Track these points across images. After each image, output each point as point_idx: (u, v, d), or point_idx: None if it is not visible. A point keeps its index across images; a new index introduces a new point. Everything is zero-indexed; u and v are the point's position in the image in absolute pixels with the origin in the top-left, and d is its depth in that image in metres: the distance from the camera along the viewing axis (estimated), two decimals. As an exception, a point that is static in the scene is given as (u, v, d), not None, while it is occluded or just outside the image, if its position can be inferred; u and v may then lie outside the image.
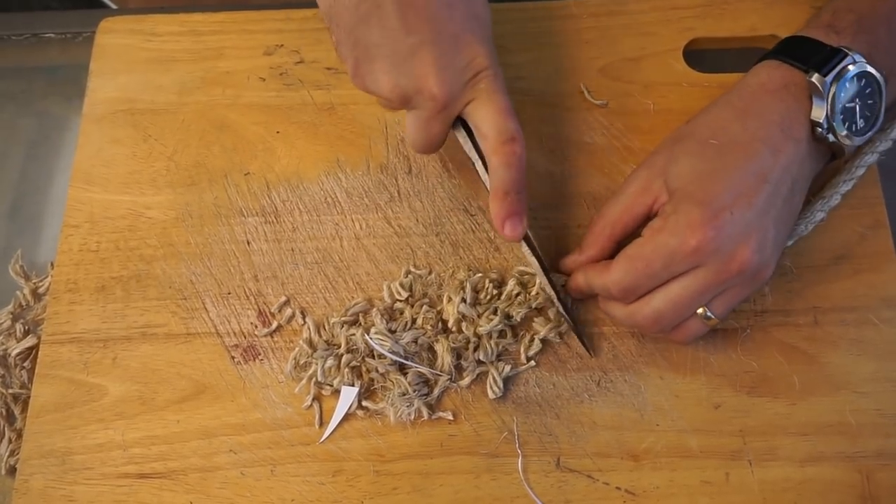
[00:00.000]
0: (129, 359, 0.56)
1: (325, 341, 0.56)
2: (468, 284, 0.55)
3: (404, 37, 0.49)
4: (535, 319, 0.56)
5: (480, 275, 0.56)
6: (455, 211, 0.60)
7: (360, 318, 0.56)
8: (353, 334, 0.55)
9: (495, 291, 0.56)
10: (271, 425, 0.54)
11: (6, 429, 0.56)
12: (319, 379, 0.54)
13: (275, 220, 0.60)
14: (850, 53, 0.50)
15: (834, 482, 0.51)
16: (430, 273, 0.57)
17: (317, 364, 0.55)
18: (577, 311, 0.56)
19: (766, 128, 0.50)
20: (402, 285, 0.57)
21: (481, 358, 0.54)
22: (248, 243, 0.59)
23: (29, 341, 0.58)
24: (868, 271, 0.56)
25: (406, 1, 0.49)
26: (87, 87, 0.65)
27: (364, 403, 0.54)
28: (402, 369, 0.54)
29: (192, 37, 0.66)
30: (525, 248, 0.54)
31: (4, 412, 0.57)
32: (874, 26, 0.53)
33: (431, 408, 0.54)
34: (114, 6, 0.81)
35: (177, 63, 0.65)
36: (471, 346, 0.55)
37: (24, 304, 0.60)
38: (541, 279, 0.55)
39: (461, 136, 0.54)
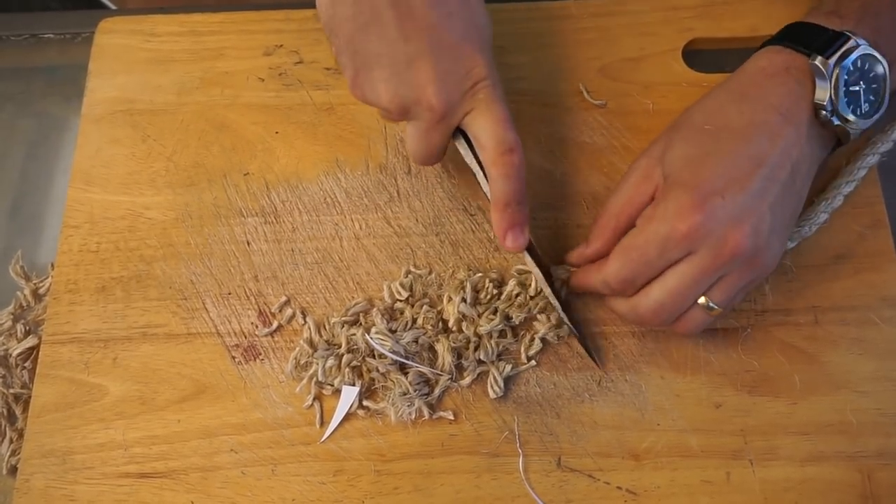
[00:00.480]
0: (129, 359, 0.56)
1: (326, 341, 0.56)
2: (468, 284, 0.55)
3: (403, 46, 0.49)
4: (536, 319, 0.56)
5: (480, 275, 0.56)
6: (455, 211, 0.60)
7: (361, 317, 0.56)
8: (354, 334, 0.55)
9: (495, 291, 0.56)
10: (272, 425, 0.54)
11: (7, 429, 0.56)
12: (320, 379, 0.54)
13: (274, 221, 0.60)
14: (853, 37, 0.50)
15: (835, 482, 0.51)
16: (430, 273, 0.57)
17: (317, 364, 0.55)
18: (579, 317, 0.56)
19: (763, 112, 0.50)
20: (402, 285, 0.57)
21: (482, 357, 0.54)
22: (248, 243, 0.59)
23: (30, 342, 0.58)
24: (868, 271, 0.56)
25: (405, 11, 0.49)
26: (86, 88, 0.65)
27: (365, 403, 0.54)
28: (403, 369, 0.54)
29: (191, 37, 0.66)
30: (528, 259, 0.54)
31: (5, 412, 0.57)
32: (879, 12, 0.53)
33: (432, 407, 0.54)
34: (113, 6, 0.81)
35: (176, 63, 0.65)
36: (471, 346, 0.55)
37: (24, 304, 0.60)
38: (544, 289, 0.55)
39: (461, 147, 0.54)
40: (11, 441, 0.56)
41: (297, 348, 0.56)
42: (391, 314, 0.56)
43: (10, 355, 0.58)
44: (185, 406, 0.55)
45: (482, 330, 0.54)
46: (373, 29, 0.50)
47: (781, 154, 0.49)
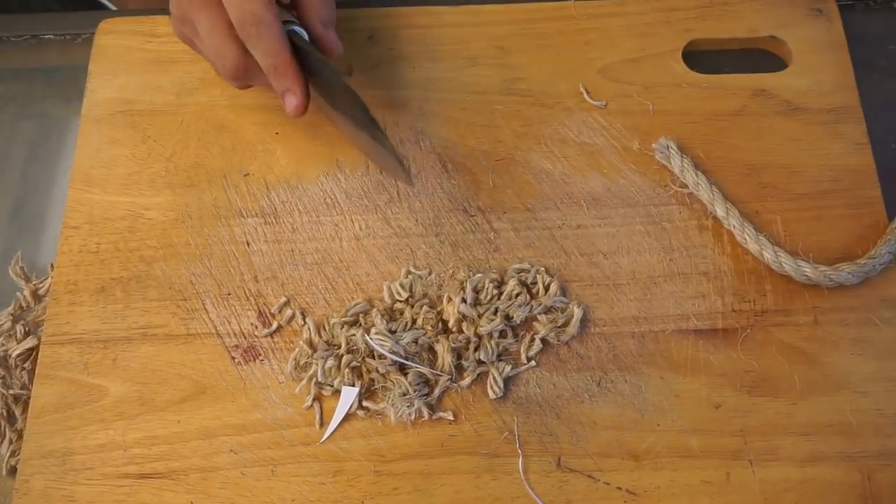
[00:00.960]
0: (129, 359, 0.56)
1: (326, 342, 0.56)
2: (468, 284, 0.55)
3: None
4: (536, 319, 0.56)
5: (480, 275, 0.56)
6: (455, 211, 0.60)
7: (361, 318, 0.56)
8: (354, 335, 0.55)
9: (495, 291, 0.56)
10: (272, 425, 0.54)
11: (7, 429, 0.56)
12: (320, 379, 0.54)
13: (274, 221, 0.60)
14: None
15: (835, 482, 0.51)
16: (429, 273, 0.57)
17: (317, 364, 0.55)
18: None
19: None
20: (401, 286, 0.57)
21: (482, 358, 0.54)
22: (248, 244, 0.59)
23: (29, 342, 0.58)
24: (868, 271, 0.56)
25: None
26: (86, 89, 0.65)
27: (364, 404, 0.54)
28: (403, 369, 0.54)
29: (191, 38, 0.66)
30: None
31: (5, 413, 0.57)
32: None
33: (432, 408, 0.54)
34: (113, 7, 0.81)
35: (176, 64, 0.65)
36: (471, 347, 0.55)
37: (24, 305, 0.60)
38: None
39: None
40: (11, 442, 0.56)
41: (297, 349, 0.56)
42: (391, 315, 0.56)
43: (10, 356, 0.58)
44: (184, 407, 0.55)
45: (482, 330, 0.54)
46: None
47: None
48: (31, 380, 0.57)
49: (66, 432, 0.54)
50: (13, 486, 0.53)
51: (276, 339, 0.56)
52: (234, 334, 0.56)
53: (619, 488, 0.52)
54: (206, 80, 0.64)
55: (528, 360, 0.55)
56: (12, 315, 0.59)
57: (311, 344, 0.55)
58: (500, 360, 0.55)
